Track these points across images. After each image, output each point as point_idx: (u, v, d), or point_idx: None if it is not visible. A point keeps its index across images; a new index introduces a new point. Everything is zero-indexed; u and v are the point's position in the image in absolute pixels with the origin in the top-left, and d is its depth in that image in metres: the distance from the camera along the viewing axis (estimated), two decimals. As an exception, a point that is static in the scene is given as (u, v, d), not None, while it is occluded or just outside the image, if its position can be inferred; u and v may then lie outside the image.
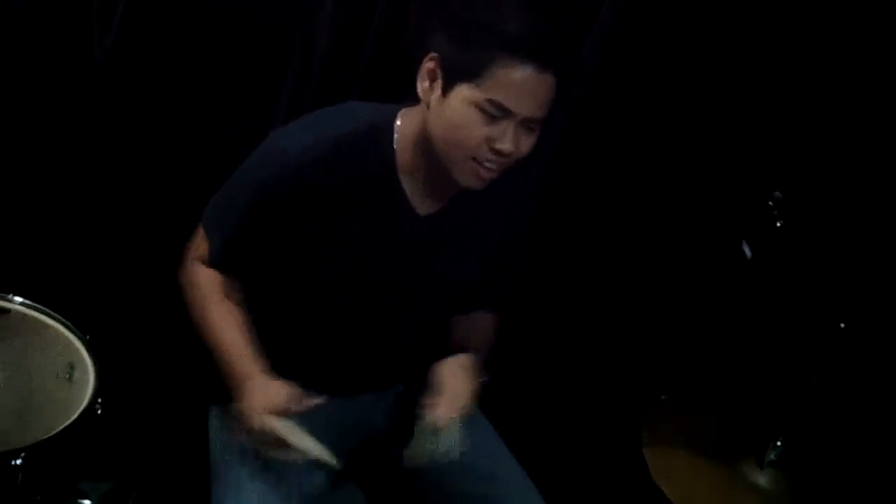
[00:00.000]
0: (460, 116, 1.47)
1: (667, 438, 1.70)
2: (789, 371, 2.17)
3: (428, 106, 1.51)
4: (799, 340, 2.21)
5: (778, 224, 2.29)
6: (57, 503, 1.52)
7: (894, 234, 2.34)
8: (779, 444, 1.66)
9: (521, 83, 1.44)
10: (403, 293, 1.68)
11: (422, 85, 1.51)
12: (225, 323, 1.65)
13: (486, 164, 1.50)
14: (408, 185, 1.58)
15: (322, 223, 1.57)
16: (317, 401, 1.56)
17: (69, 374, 1.72)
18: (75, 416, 1.60)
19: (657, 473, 1.62)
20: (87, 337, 1.76)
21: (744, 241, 2.36)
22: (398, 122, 1.57)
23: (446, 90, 1.48)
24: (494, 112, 1.45)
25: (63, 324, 1.77)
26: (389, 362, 1.77)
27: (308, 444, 1.52)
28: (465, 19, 1.46)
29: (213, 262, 1.66)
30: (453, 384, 1.62)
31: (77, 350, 1.75)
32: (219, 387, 1.65)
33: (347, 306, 1.65)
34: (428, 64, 1.49)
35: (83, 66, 2.21)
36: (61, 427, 1.57)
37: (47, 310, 1.77)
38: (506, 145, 1.48)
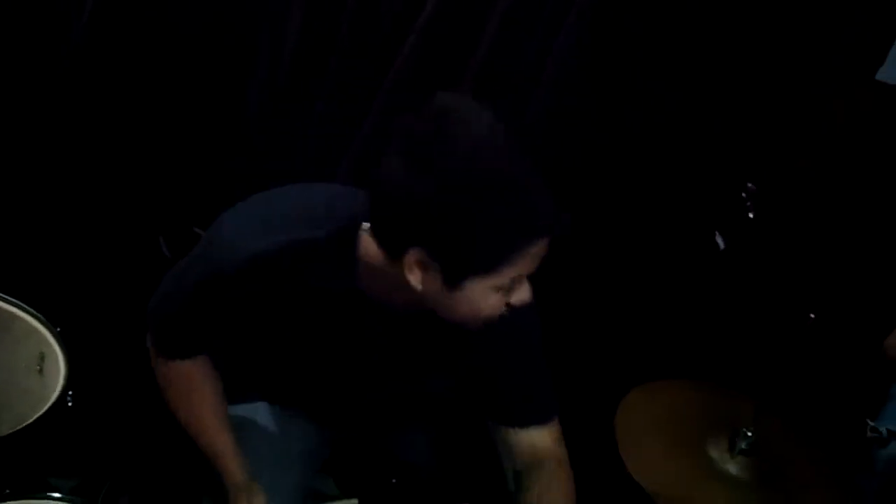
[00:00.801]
0: (480, 302, 1.33)
1: (639, 428, 1.71)
2: (760, 361, 2.19)
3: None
4: (770, 330, 2.24)
5: (750, 215, 2.31)
6: (27, 495, 1.51)
7: (864, 227, 2.37)
8: (749, 433, 1.67)
9: (538, 253, 1.33)
10: (376, 376, 1.59)
11: (411, 276, 1.31)
12: (212, 425, 1.60)
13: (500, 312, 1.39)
14: (372, 293, 1.44)
15: (274, 318, 1.49)
16: None
17: (39, 366, 1.71)
18: (46, 407, 1.59)
19: (630, 463, 1.63)
20: (58, 329, 1.74)
21: (717, 232, 2.38)
22: (362, 247, 1.39)
23: (453, 284, 1.31)
24: (514, 285, 1.35)
25: (33, 315, 1.75)
26: (360, 418, 1.75)
27: None
28: (478, 219, 1.25)
29: (171, 353, 1.58)
30: None
31: (47, 342, 1.73)
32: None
33: (314, 379, 1.62)
34: (412, 258, 1.30)
35: (56, 52, 2.18)
36: (32, 419, 1.56)
37: (17, 301, 1.76)
38: (524, 297, 1.39)
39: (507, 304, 1.37)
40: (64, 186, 2.21)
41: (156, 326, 1.59)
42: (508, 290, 1.34)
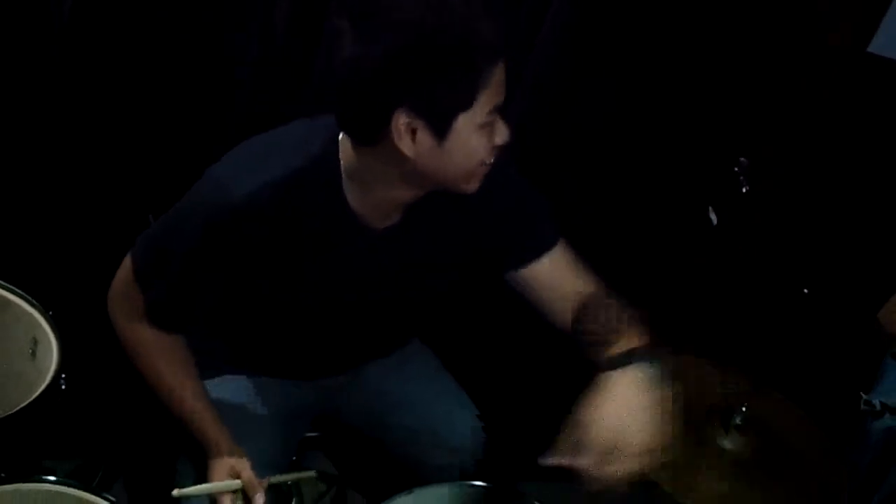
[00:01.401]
0: (471, 146, 1.38)
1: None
2: (754, 336, 2.20)
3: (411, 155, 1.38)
4: (764, 305, 2.24)
5: (743, 190, 2.31)
6: (22, 480, 1.51)
7: (857, 201, 2.36)
8: (744, 408, 1.67)
9: (501, 80, 1.36)
10: (368, 305, 1.62)
11: (403, 143, 1.35)
12: (184, 390, 1.60)
13: (488, 163, 1.44)
14: (360, 209, 1.49)
15: (273, 258, 1.49)
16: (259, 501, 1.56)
17: (32, 350, 1.71)
18: (39, 391, 1.59)
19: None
20: (50, 312, 1.74)
21: (710, 208, 2.38)
22: (342, 154, 1.45)
23: (442, 134, 1.35)
24: (491, 119, 1.39)
25: (25, 299, 1.75)
26: (351, 356, 1.77)
27: None
28: (440, 61, 1.30)
29: (154, 319, 1.57)
30: (630, 420, 1.34)
31: (40, 325, 1.73)
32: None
33: (307, 319, 1.61)
34: (400, 121, 1.34)
35: (41, 38, 2.17)
36: (25, 403, 1.56)
37: (9, 285, 1.76)
38: (505, 136, 1.42)
39: (494, 146, 1.41)
40: (53, 170, 2.19)
41: (144, 282, 1.55)
42: (489, 126, 1.38)
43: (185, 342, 1.62)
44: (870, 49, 2.25)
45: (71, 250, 2.11)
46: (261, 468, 1.60)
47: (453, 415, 1.84)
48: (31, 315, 1.74)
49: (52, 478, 1.51)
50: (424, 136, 1.35)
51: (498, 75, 1.35)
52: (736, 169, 2.31)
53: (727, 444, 1.69)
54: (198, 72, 2.19)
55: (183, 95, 2.19)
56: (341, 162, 1.45)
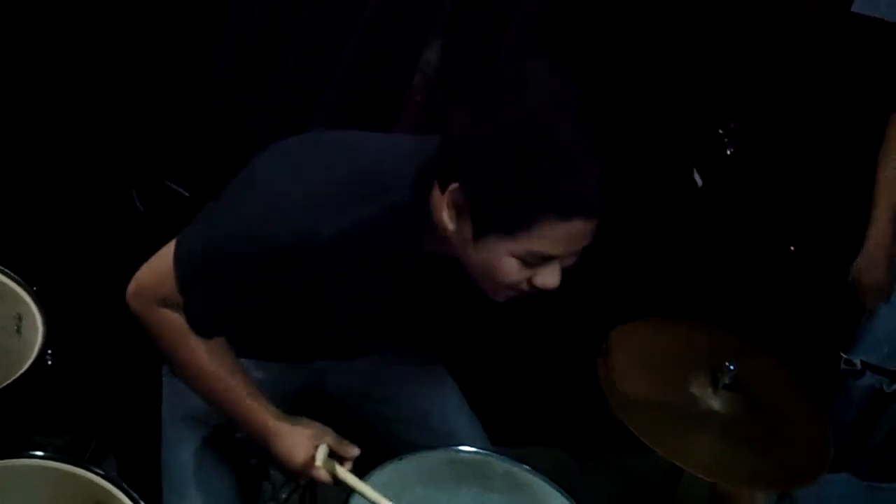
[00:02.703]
0: (497, 262, 1.32)
1: (621, 366, 1.72)
2: (741, 295, 2.21)
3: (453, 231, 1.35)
4: (750, 265, 2.25)
5: (728, 152, 2.31)
6: (11, 456, 1.50)
7: (840, 160, 2.37)
8: (731, 367, 1.68)
9: (566, 235, 1.29)
10: (390, 307, 1.60)
11: (444, 214, 1.33)
12: (224, 373, 1.51)
13: (524, 293, 1.38)
14: (425, 248, 1.45)
15: (329, 282, 1.43)
16: (354, 451, 1.54)
17: (17, 327, 1.70)
18: (25, 367, 1.58)
19: (614, 403, 1.64)
20: (35, 288, 1.73)
21: (694, 170, 2.38)
22: (432, 211, 1.37)
23: (477, 236, 1.31)
24: (536, 261, 1.32)
25: (9, 276, 1.74)
26: (357, 344, 1.74)
27: (369, 492, 1.52)
28: (516, 173, 1.25)
29: (196, 329, 1.46)
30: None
31: (24, 302, 1.72)
32: None
33: (325, 319, 1.56)
34: (452, 195, 1.30)
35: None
36: (11, 379, 1.55)
37: (-8, 262, 1.74)
38: (549, 282, 1.35)
39: (531, 285, 1.35)
40: (34, 143, 2.17)
41: (190, 290, 1.43)
42: (530, 264, 1.32)
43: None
44: (853, 9, 2.25)
45: (53, 224, 2.10)
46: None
47: (446, 397, 1.82)
48: (15, 291, 1.73)
49: (40, 453, 1.51)
50: (465, 223, 1.32)
51: (565, 229, 1.28)
52: (720, 131, 2.31)
53: (715, 403, 1.70)
54: (182, 39, 2.17)
55: (167, 67, 2.17)
56: (425, 225, 1.38)
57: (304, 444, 1.52)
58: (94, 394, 2.03)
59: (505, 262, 1.31)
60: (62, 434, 2.04)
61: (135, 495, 1.47)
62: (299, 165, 1.40)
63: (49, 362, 1.64)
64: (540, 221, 1.27)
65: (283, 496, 1.61)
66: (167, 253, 1.44)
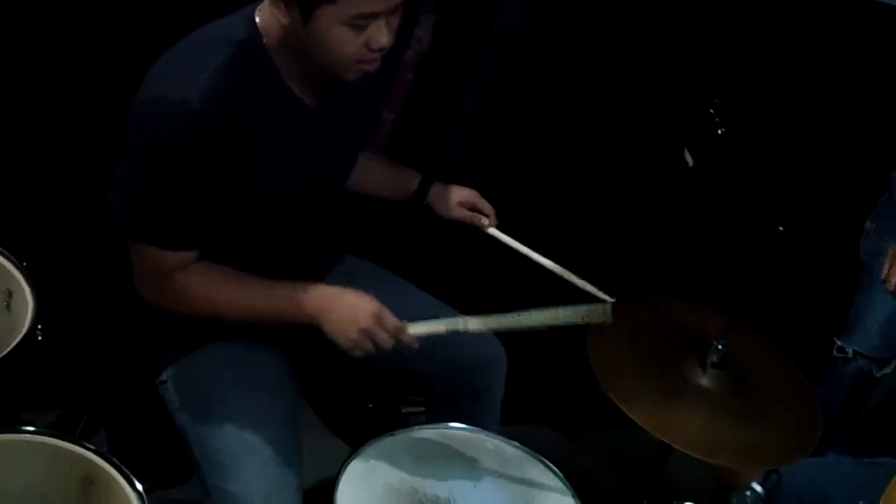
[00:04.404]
0: (331, 39, 1.46)
1: (611, 344, 1.72)
2: (730, 275, 2.21)
3: (289, 25, 1.48)
4: (739, 244, 2.25)
5: (719, 132, 2.31)
6: (1, 432, 1.50)
7: (832, 139, 2.37)
8: (720, 346, 1.69)
9: None
10: (316, 185, 1.68)
11: (274, 10, 1.48)
12: (244, 290, 1.61)
13: (370, 60, 1.51)
14: (291, 83, 1.57)
15: (240, 149, 1.52)
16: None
17: (7, 302, 1.69)
18: (15, 343, 1.58)
19: (604, 380, 1.64)
20: (24, 264, 1.72)
21: (685, 149, 2.38)
22: (262, 34, 1.53)
23: (306, 16, 1.44)
24: (362, 23, 1.45)
25: (-2, 251, 1.74)
26: (317, 254, 1.79)
27: (444, 325, 1.61)
28: None
29: (169, 243, 1.56)
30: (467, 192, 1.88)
31: (14, 277, 1.71)
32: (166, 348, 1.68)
33: (272, 211, 1.63)
34: None
35: None
36: (1, 355, 1.55)
37: (-20, 237, 1.73)
38: (383, 41, 1.48)
39: (370, 49, 1.48)
40: (25, 119, 2.16)
41: (152, 224, 1.55)
42: (360, 28, 1.44)
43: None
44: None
45: (43, 198, 2.09)
46: (273, 420, 1.63)
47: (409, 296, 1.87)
48: (4, 266, 1.72)
49: (31, 428, 1.50)
50: (292, 11, 1.45)
51: None
52: (711, 111, 2.31)
53: (704, 381, 1.71)
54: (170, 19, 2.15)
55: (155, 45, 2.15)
56: (264, 39, 1.52)
57: (361, 299, 1.58)
58: (85, 369, 2.02)
59: (337, 32, 1.44)
60: (53, 410, 2.04)
61: (126, 470, 1.47)
62: (159, 69, 1.54)
63: (39, 338, 1.64)
64: None
65: None
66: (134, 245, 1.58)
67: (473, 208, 1.93)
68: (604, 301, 1.73)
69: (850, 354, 2.26)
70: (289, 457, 1.61)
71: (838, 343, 2.29)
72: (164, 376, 1.71)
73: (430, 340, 1.66)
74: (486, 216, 1.92)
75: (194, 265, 1.60)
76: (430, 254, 2.32)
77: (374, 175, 1.91)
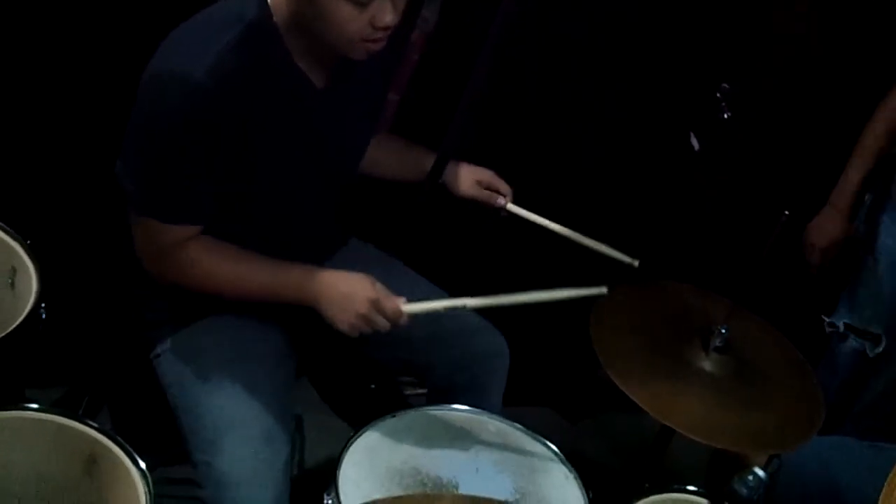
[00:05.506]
0: (336, 16, 1.46)
1: (614, 328, 1.73)
2: (734, 259, 2.21)
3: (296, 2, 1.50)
4: (744, 229, 2.25)
5: (725, 116, 2.30)
6: (5, 409, 1.51)
7: (837, 124, 2.36)
8: (723, 330, 1.69)
9: None
10: (321, 166, 1.68)
11: None
12: (247, 269, 1.63)
13: (375, 39, 1.51)
14: (301, 63, 1.57)
15: (244, 129, 1.53)
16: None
17: (11, 280, 1.70)
18: (19, 321, 1.58)
19: (606, 363, 1.64)
20: (28, 241, 1.72)
21: (691, 133, 2.37)
22: (272, 12, 1.53)
23: None
24: (370, 1, 1.45)
25: (3, 229, 1.74)
26: (320, 238, 1.79)
27: (445, 304, 1.63)
28: None
29: (174, 217, 1.57)
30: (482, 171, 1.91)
31: (18, 255, 1.72)
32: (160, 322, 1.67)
33: (275, 190, 1.64)
34: None
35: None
36: (5, 332, 1.55)
37: (-15, 215, 1.73)
38: (388, 19, 1.48)
39: (374, 28, 1.48)
40: (28, 97, 2.16)
41: (153, 197, 1.56)
42: (362, 6, 1.45)
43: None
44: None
45: (47, 177, 2.09)
46: (263, 395, 1.62)
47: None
48: (8, 244, 1.73)
49: (35, 406, 1.51)
50: None
51: None
52: (717, 95, 2.30)
53: (707, 365, 1.71)
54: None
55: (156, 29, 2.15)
56: (274, 17, 1.52)
57: (361, 285, 1.59)
58: (89, 347, 2.03)
59: (340, 8, 1.45)
60: (56, 387, 2.04)
61: (129, 448, 1.48)
62: (168, 47, 1.53)
63: (43, 316, 1.64)
64: None
65: None
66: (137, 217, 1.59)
67: (489, 187, 1.92)
68: (627, 263, 1.85)
69: (842, 328, 2.26)
70: (278, 433, 1.61)
71: (827, 320, 2.28)
72: (158, 349, 1.71)
73: (432, 333, 1.66)
74: (503, 195, 1.92)
75: (201, 241, 1.60)
76: (435, 240, 2.32)
77: (388, 154, 1.91)
